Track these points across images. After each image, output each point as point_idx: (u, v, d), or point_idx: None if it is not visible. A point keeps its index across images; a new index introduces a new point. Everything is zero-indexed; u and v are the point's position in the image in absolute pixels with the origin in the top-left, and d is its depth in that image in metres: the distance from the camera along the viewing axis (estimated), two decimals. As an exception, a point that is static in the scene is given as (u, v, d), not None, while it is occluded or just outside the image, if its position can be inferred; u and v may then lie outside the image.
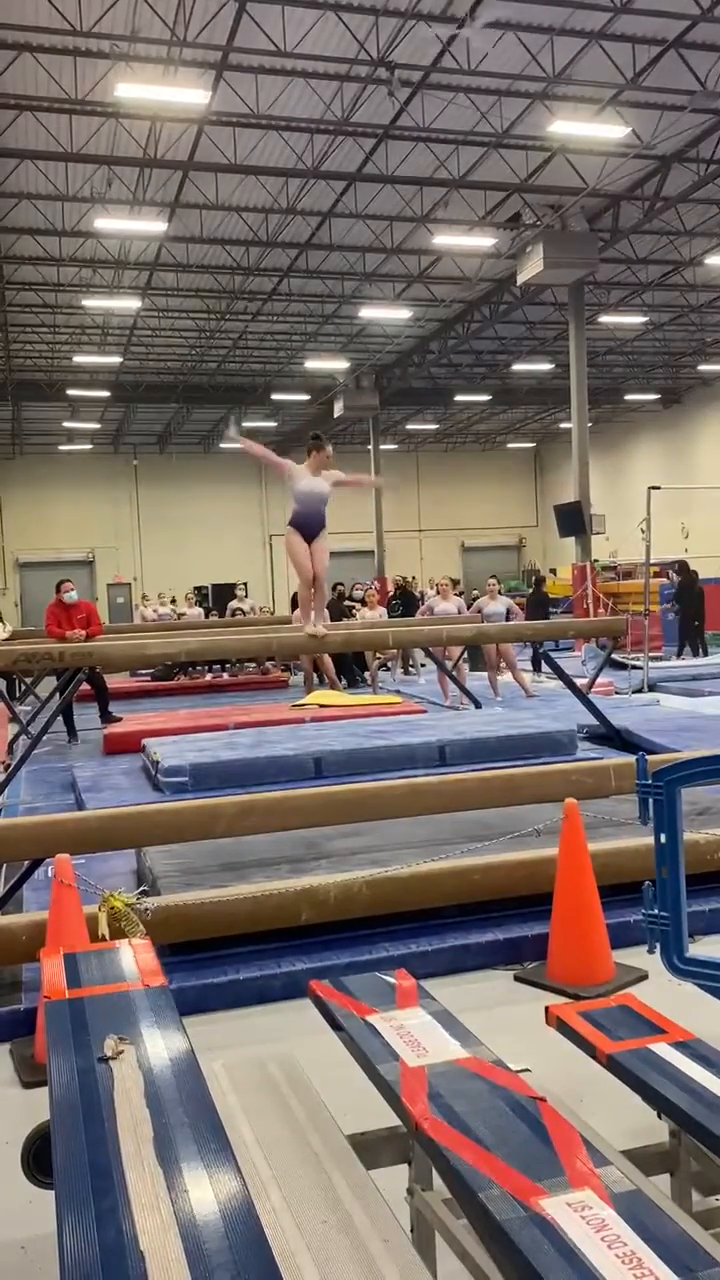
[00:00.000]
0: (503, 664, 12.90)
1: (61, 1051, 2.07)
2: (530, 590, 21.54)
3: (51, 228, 17.84)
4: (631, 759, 4.77)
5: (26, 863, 4.68)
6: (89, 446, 35.57)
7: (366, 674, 14.87)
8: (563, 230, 17.88)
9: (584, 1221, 1.71)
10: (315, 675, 13.55)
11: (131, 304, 21.83)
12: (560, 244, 17.78)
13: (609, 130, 14.98)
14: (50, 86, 13.52)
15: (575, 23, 13.09)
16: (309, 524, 7.71)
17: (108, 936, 3.70)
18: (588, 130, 14.99)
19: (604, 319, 24.52)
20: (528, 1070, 2.53)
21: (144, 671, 16.47)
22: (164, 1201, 1.56)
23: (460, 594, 16.50)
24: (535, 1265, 1.60)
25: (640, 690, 12.45)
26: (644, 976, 4.20)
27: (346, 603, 17.22)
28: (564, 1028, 2.68)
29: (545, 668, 10.66)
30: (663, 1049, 2.48)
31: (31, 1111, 3.21)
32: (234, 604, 18.65)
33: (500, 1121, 2.07)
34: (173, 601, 22.53)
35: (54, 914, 3.82)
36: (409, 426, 36.04)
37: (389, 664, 16.21)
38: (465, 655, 13.10)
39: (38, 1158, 2.66)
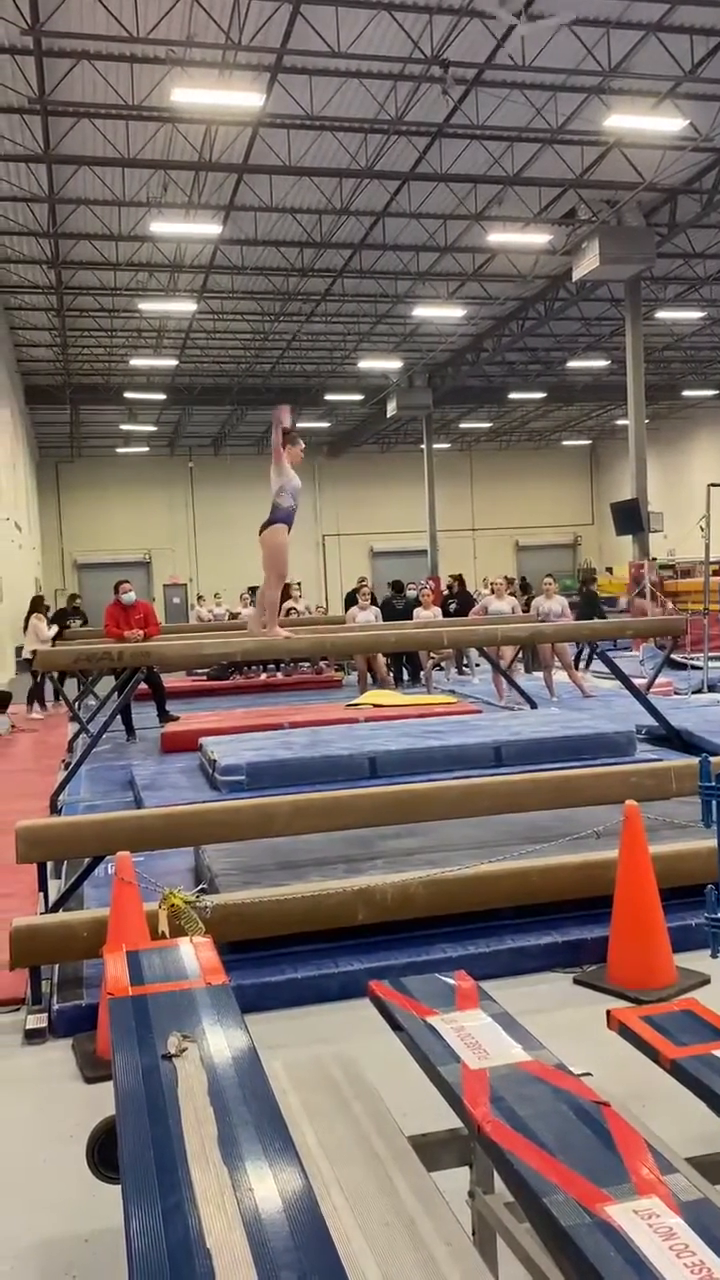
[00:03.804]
0: (558, 663, 12.79)
1: (126, 1048, 2.09)
2: (579, 590, 21.26)
3: (108, 232, 18.08)
4: (693, 761, 4.71)
5: (87, 860, 4.74)
6: (146, 449, 35.98)
7: (421, 673, 14.84)
8: (619, 225, 17.70)
9: (651, 1229, 1.68)
10: (369, 675, 13.55)
11: (187, 307, 22.03)
12: (616, 239, 17.61)
13: (666, 123, 14.80)
14: (107, 93, 13.69)
15: (632, 15, 12.95)
16: (292, 522, 7.37)
17: (168, 934, 3.72)
18: (645, 123, 14.83)
19: (661, 314, 24.22)
20: (589, 1074, 2.50)
21: (200, 671, 16.62)
22: (229, 1199, 1.57)
23: (513, 593, 16.37)
24: (602, 1272, 1.58)
25: (700, 690, 12.25)
26: (706, 981, 4.14)
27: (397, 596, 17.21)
28: (626, 1032, 2.64)
29: (600, 666, 10.54)
30: (728, 1055, 2.44)
31: (94, 1106, 3.25)
32: (288, 604, 18.71)
33: (563, 1125, 2.05)
34: (216, 598, 22.83)
35: (115, 911, 3.85)
36: (462, 425, 35.91)
37: (443, 663, 16.16)
38: (520, 655, 13.00)
39: (102, 1152, 2.69)
